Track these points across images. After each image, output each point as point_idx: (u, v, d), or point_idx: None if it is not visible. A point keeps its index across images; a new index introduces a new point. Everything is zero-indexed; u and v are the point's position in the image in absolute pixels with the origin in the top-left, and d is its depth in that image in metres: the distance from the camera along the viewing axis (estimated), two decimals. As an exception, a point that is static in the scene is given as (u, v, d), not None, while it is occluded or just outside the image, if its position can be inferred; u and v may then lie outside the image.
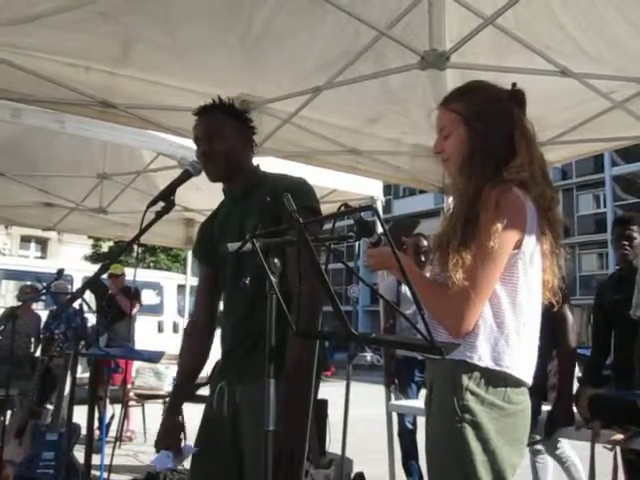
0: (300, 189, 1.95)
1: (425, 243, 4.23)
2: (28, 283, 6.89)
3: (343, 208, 1.42)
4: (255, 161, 2.14)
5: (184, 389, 2.18)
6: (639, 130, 3.30)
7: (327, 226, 1.72)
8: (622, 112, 3.10)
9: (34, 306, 7.12)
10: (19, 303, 6.18)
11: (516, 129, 1.65)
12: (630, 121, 3.16)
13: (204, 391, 2.10)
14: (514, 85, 1.73)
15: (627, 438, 2.55)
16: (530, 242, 1.59)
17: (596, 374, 3.45)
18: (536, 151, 1.67)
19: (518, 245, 1.57)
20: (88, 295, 6.23)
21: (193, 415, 2.32)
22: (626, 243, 3.32)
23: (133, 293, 6.82)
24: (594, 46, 2.66)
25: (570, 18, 2.50)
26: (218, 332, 2.12)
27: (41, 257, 22.99)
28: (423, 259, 4.18)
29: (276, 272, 1.40)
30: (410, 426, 4.53)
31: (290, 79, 3.06)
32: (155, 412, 6.35)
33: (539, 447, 3.57)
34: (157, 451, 1.99)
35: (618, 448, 2.65)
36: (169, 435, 2.04)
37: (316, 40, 2.73)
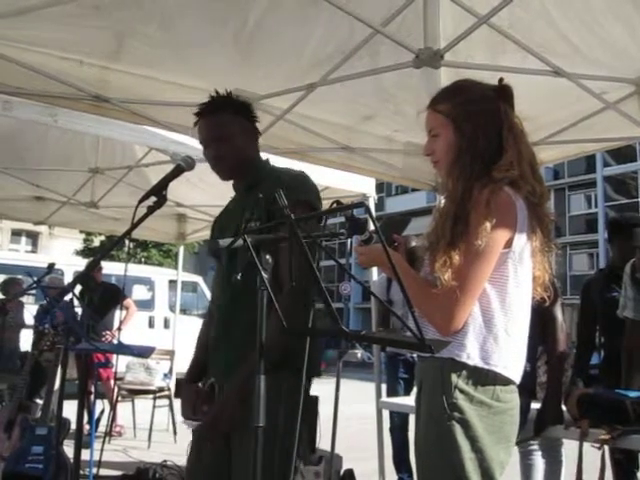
0: (298, 183, 1.96)
1: (414, 243, 4.21)
2: (19, 277, 6.85)
3: (335, 205, 1.42)
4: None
5: (200, 361, 2.14)
6: (630, 131, 3.31)
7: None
8: (614, 113, 3.11)
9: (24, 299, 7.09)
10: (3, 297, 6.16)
11: (504, 126, 1.64)
12: (622, 122, 3.17)
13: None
14: (501, 80, 1.72)
15: (615, 437, 2.56)
16: (520, 241, 1.59)
17: (584, 371, 3.47)
18: (525, 147, 1.66)
19: (508, 244, 1.57)
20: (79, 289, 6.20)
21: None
22: None
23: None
24: (588, 46, 2.66)
25: (564, 18, 2.50)
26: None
27: (32, 251, 22.90)
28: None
29: (267, 268, 1.39)
30: (400, 422, 4.54)
31: (284, 75, 3.06)
32: (145, 407, 6.34)
33: (530, 447, 3.58)
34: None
35: (606, 447, 2.67)
36: (188, 404, 2.07)
37: (311, 37, 2.72)
